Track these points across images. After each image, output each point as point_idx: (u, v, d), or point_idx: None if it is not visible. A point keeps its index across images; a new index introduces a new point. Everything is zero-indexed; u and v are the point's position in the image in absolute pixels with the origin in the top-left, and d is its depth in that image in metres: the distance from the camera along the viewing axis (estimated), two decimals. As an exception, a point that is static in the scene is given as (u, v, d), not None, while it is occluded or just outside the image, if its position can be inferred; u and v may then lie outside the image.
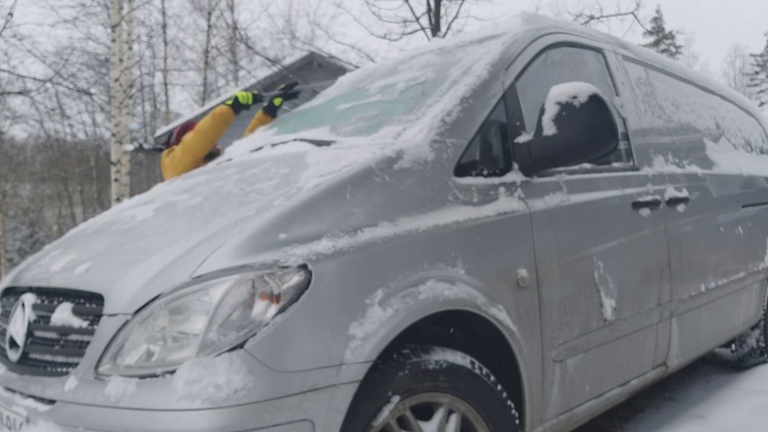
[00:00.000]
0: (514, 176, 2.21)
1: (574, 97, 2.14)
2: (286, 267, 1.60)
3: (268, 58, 13.79)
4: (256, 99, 3.89)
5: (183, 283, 1.59)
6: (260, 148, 2.62)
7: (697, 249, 3.07)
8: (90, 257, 1.90)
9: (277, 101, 3.91)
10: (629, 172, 2.76)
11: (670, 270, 2.80)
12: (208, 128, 3.87)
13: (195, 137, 3.88)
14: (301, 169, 2.03)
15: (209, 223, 1.82)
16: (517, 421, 1.99)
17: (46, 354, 1.77)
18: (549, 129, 2.16)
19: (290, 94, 3.90)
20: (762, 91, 39.87)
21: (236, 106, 3.85)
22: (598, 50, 2.90)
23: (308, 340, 1.56)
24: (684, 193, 2.98)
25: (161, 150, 4.34)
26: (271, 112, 3.88)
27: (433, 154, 2.03)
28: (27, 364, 1.81)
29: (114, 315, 1.62)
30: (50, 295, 1.86)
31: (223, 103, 3.93)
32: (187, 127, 4.27)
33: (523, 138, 2.24)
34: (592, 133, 2.15)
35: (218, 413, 1.44)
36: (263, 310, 1.55)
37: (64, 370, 1.68)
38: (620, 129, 2.65)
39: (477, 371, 1.90)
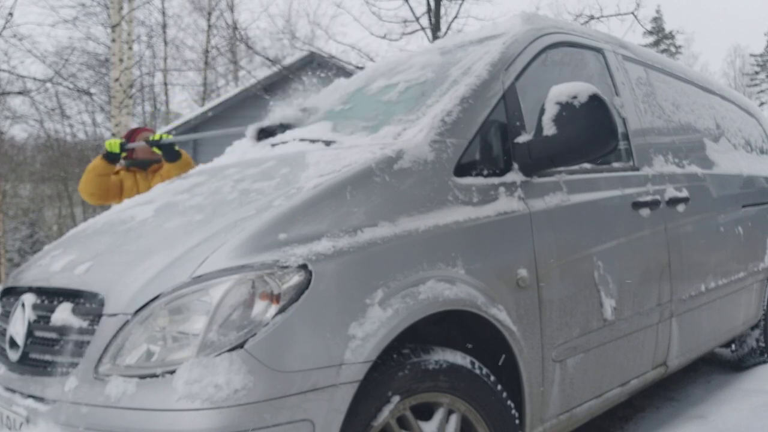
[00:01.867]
0: (514, 176, 2.21)
1: (574, 97, 2.14)
2: (286, 267, 1.60)
3: (268, 58, 13.79)
4: (123, 147, 3.98)
5: (183, 283, 1.59)
6: (260, 148, 2.62)
7: (697, 249, 3.07)
8: (90, 257, 1.90)
9: (156, 150, 3.94)
10: (629, 172, 2.76)
11: (670, 270, 2.80)
12: (84, 185, 4.04)
13: (80, 192, 4.10)
14: (301, 169, 2.03)
15: (209, 223, 1.82)
16: (517, 421, 1.99)
17: (46, 354, 1.77)
18: (549, 129, 2.16)
19: (163, 145, 3.91)
20: (762, 91, 39.86)
21: (109, 155, 3.96)
22: (598, 50, 2.89)
23: (308, 340, 1.56)
24: (684, 193, 2.98)
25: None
26: (172, 158, 3.90)
27: (433, 154, 2.03)
28: (27, 364, 1.81)
29: (114, 315, 1.62)
30: (50, 295, 1.86)
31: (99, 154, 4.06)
32: (134, 132, 4.28)
33: (523, 138, 2.24)
34: (592, 133, 2.15)
35: (218, 413, 1.44)
36: (263, 310, 1.55)
37: (64, 370, 1.67)
38: (620, 129, 2.65)
39: (477, 371, 1.90)
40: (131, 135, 4.25)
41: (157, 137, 3.91)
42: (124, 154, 4.04)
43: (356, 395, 1.60)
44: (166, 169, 3.97)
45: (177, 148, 3.98)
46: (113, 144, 3.97)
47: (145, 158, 4.10)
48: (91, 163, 4.07)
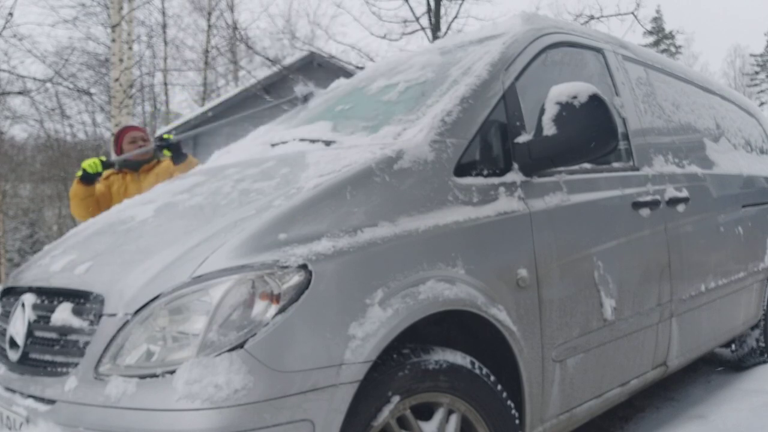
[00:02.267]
0: (514, 176, 2.21)
1: (574, 97, 2.14)
2: (286, 267, 1.60)
3: (268, 58, 13.80)
4: (106, 165, 3.92)
5: (183, 283, 1.59)
6: (260, 148, 2.62)
7: (697, 249, 3.07)
8: (90, 257, 1.90)
9: (166, 153, 3.93)
10: (629, 172, 2.76)
11: (670, 270, 2.80)
12: (74, 211, 4.03)
13: (74, 215, 4.10)
14: (301, 169, 2.02)
15: (209, 223, 1.82)
16: (517, 421, 1.99)
17: (46, 354, 1.77)
18: (549, 129, 2.16)
19: (172, 145, 3.89)
20: (762, 91, 39.87)
21: (86, 177, 3.89)
22: (598, 50, 2.89)
23: (308, 340, 1.56)
24: (684, 193, 2.98)
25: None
26: (179, 159, 3.88)
27: (433, 154, 2.03)
28: (27, 364, 1.81)
29: (114, 315, 1.62)
30: (50, 295, 1.86)
31: (76, 176, 4.00)
32: (122, 132, 4.23)
33: (523, 138, 2.24)
34: (592, 133, 2.15)
35: (218, 413, 1.44)
36: (263, 310, 1.55)
37: (64, 370, 1.67)
38: (620, 129, 2.65)
39: (477, 371, 1.90)
40: (120, 134, 4.22)
41: (167, 137, 3.88)
42: (104, 171, 3.97)
43: (356, 395, 1.60)
44: (165, 169, 3.95)
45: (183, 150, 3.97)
46: (94, 164, 3.88)
47: (136, 159, 4.05)
48: (72, 189, 4.01)
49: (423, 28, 10.84)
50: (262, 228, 1.68)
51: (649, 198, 2.75)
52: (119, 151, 4.16)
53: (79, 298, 1.76)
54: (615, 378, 2.55)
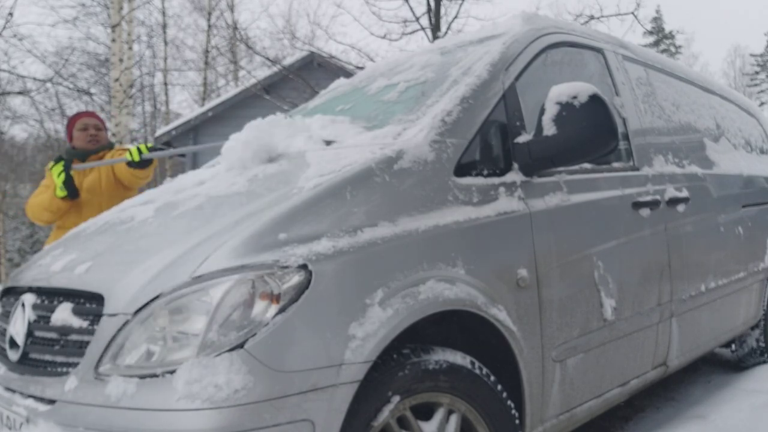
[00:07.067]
0: (514, 176, 2.21)
1: (574, 97, 2.14)
2: (286, 267, 1.60)
3: (268, 58, 13.81)
4: (68, 164, 3.75)
5: (183, 282, 1.59)
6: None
7: (697, 249, 3.07)
8: (90, 257, 1.90)
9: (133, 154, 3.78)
10: (629, 172, 2.76)
11: (670, 270, 2.80)
12: (41, 217, 3.85)
13: (31, 218, 3.96)
14: (301, 168, 2.02)
15: (209, 222, 1.82)
16: (517, 421, 1.99)
17: (46, 354, 1.77)
18: (549, 129, 2.16)
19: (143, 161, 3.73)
20: (762, 91, 39.88)
21: (72, 194, 3.73)
22: (598, 50, 2.89)
23: (308, 340, 1.56)
24: (684, 193, 2.98)
25: (161, 150, 4.25)
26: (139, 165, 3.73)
27: (433, 154, 2.03)
28: (27, 364, 1.81)
29: (114, 315, 1.62)
30: (50, 295, 1.86)
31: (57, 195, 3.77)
32: (74, 118, 4.02)
33: (523, 138, 2.24)
34: (592, 133, 2.15)
35: (218, 413, 1.44)
36: (263, 310, 1.55)
37: (64, 370, 1.67)
38: (620, 129, 2.65)
39: (477, 371, 1.90)
40: (71, 120, 4.01)
41: (136, 158, 3.61)
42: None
43: (356, 395, 1.60)
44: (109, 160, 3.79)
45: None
46: (58, 177, 3.69)
47: (84, 148, 3.88)
48: (46, 201, 3.76)
49: (423, 28, 10.85)
50: (262, 228, 1.68)
51: (649, 198, 2.75)
52: (69, 138, 3.98)
53: (79, 298, 1.76)
54: (615, 378, 2.55)
